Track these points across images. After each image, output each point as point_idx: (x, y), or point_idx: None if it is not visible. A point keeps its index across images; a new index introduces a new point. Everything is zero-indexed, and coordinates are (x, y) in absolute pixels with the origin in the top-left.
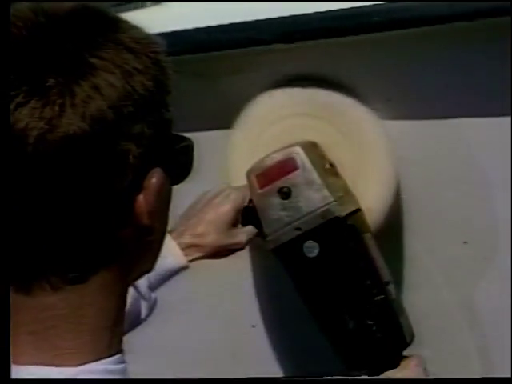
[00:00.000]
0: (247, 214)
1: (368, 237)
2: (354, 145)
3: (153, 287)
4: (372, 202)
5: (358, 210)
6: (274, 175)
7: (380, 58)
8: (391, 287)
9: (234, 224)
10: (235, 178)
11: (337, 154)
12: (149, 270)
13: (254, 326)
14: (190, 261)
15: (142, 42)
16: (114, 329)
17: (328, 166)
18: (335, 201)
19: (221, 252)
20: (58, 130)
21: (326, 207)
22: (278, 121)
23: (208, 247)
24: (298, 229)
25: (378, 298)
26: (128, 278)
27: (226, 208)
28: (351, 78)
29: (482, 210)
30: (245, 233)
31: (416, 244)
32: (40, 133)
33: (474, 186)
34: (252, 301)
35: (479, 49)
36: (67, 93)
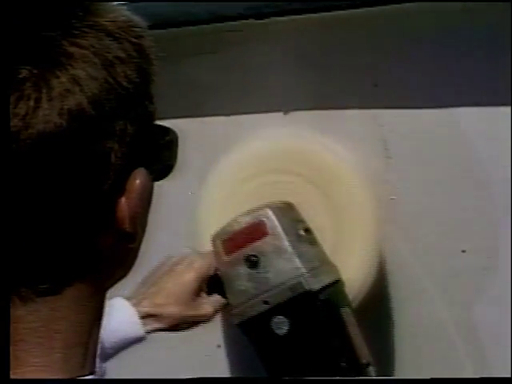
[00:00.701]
0: (213, 283)
1: (346, 312)
2: (335, 207)
3: (106, 356)
4: (354, 271)
5: (336, 282)
6: (241, 241)
7: (366, 38)
8: (371, 370)
9: (197, 294)
10: (204, 241)
11: (315, 216)
12: (123, 277)
13: (219, 346)
14: (148, 332)
15: (123, 25)
16: (88, 346)
17: (302, 231)
18: (307, 272)
19: (183, 324)
20: (34, 128)
21: (297, 280)
22: (250, 178)
23: (169, 319)
24: (265, 302)
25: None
26: (104, 288)
27: (188, 277)
28: (333, 59)
29: (481, 212)
30: (211, 303)
31: (406, 251)
32: (14, 131)
33: (473, 185)
34: (217, 321)
35: (478, 32)
36: (43, 86)
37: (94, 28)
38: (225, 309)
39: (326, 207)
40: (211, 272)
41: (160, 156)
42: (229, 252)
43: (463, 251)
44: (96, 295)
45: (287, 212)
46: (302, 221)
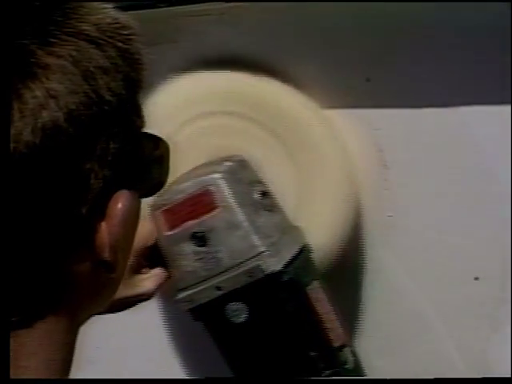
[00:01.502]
0: (154, 254)
1: (314, 288)
2: (298, 160)
3: None
4: (324, 234)
5: (300, 252)
6: (185, 214)
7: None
8: (347, 353)
9: (135, 269)
10: None
11: (274, 169)
12: (99, 311)
13: None
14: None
15: (108, 29)
16: None
17: (258, 195)
18: (266, 250)
19: (119, 305)
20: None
21: (255, 262)
22: (192, 120)
23: None
24: (218, 288)
25: (328, 372)
26: (78, 322)
27: None
28: (313, 51)
29: (490, 230)
30: (151, 278)
31: (405, 277)
32: None
33: (487, 200)
34: None
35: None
36: (15, 100)
37: (73, 35)
38: (167, 283)
39: (287, 160)
40: (151, 242)
41: (148, 174)
42: (171, 226)
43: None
44: (69, 330)
45: (240, 173)
46: (257, 182)
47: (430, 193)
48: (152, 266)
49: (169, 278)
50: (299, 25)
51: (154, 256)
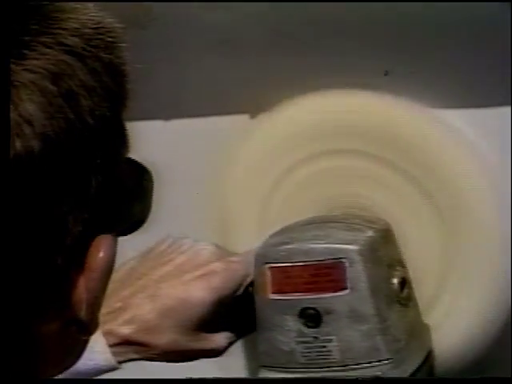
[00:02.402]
0: (237, 303)
1: None
2: (448, 226)
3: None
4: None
5: (425, 361)
6: (301, 282)
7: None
8: None
9: (210, 319)
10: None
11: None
12: (70, 367)
13: None
14: (122, 361)
15: (92, 36)
16: None
17: (396, 283)
18: (391, 359)
19: (179, 357)
20: None
21: (373, 371)
22: (304, 162)
23: (157, 350)
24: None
25: None
26: None
27: (203, 292)
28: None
29: None
30: (225, 335)
31: None
32: None
33: None
34: None
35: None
36: None
37: (52, 46)
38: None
39: (435, 222)
40: (240, 290)
41: (130, 212)
42: (278, 290)
43: None
44: None
45: (381, 249)
46: (399, 264)
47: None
48: (231, 320)
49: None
50: None
51: (236, 306)
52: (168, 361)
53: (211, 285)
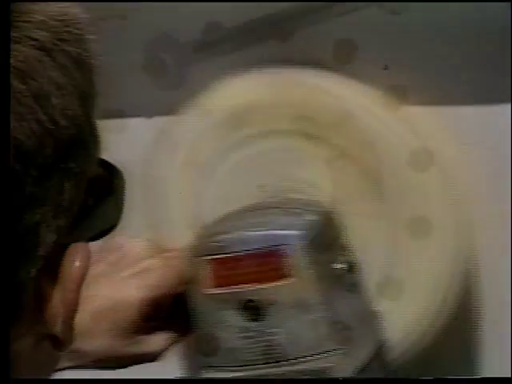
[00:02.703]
0: (175, 304)
1: None
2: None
3: None
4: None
5: (378, 350)
6: (242, 273)
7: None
8: None
9: (148, 320)
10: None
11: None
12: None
13: None
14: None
15: (58, 28)
16: None
17: (343, 268)
18: (340, 349)
19: (116, 362)
20: None
21: (322, 362)
22: (243, 143)
23: (91, 356)
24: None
25: None
26: None
27: (137, 293)
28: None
29: None
30: (162, 336)
31: None
32: None
33: None
34: None
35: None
36: None
37: (19, 40)
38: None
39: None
40: (180, 290)
41: (104, 217)
42: (219, 283)
43: None
44: None
45: (324, 233)
46: (343, 247)
47: None
48: (169, 320)
49: (184, 339)
50: None
51: (173, 306)
52: (103, 368)
53: (147, 282)
